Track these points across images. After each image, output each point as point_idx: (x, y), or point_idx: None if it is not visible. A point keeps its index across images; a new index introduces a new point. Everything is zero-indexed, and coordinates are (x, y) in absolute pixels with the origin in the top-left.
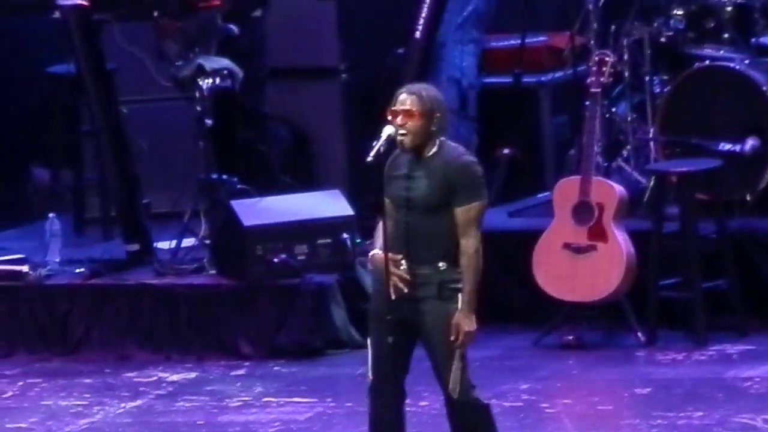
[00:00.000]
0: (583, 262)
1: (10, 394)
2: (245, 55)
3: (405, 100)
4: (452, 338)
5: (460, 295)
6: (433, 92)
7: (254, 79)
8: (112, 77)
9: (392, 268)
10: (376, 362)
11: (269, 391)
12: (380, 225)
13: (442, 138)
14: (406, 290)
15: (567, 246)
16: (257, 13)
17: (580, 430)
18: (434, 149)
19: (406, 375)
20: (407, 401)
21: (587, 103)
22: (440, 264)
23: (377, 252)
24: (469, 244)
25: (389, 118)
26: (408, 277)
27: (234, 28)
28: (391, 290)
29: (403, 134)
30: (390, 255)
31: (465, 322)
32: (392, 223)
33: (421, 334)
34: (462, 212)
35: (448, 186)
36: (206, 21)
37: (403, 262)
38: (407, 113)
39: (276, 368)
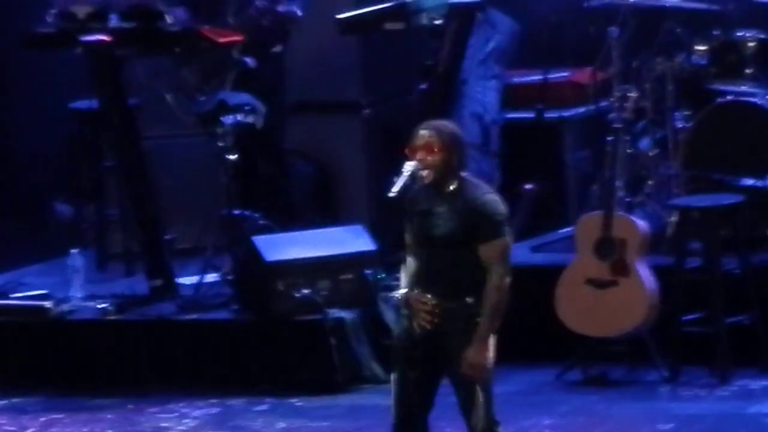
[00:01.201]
0: (605, 297)
1: (32, 429)
2: (265, 91)
3: (424, 135)
4: (463, 371)
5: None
6: (452, 128)
7: (274, 115)
8: (134, 113)
9: (417, 304)
10: (400, 401)
11: (292, 426)
12: (407, 260)
13: (465, 174)
14: (429, 326)
15: (590, 281)
16: (277, 48)
17: None
18: (456, 184)
19: (430, 411)
20: None
21: (610, 138)
22: (468, 299)
23: (405, 291)
24: (492, 280)
25: (409, 156)
26: (434, 310)
27: (250, 61)
28: (416, 326)
29: (424, 169)
30: (416, 293)
31: (475, 355)
32: (417, 260)
33: (447, 368)
34: (484, 249)
35: (471, 223)
36: (223, 54)
37: (429, 296)
38: (427, 148)
39: (298, 404)
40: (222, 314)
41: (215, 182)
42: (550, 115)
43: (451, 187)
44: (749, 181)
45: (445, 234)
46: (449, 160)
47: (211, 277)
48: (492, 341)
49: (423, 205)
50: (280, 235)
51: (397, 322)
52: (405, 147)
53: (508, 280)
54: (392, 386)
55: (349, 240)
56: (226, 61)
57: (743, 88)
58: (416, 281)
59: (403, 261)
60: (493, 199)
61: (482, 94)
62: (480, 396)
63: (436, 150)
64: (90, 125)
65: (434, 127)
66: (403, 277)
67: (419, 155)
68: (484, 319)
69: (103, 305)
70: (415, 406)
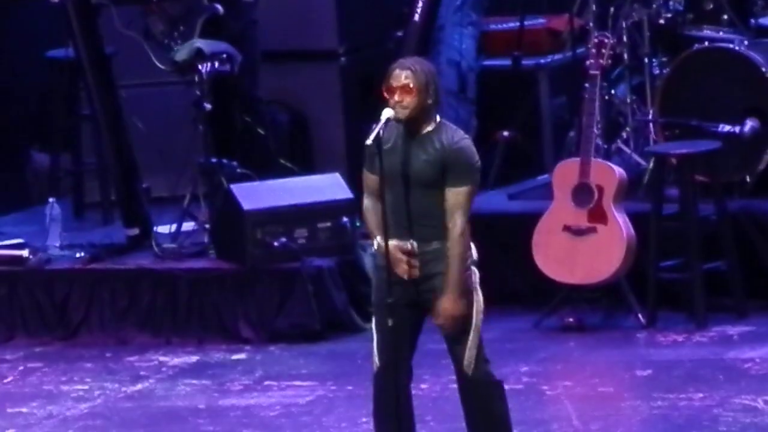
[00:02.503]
0: (582, 244)
1: (10, 378)
2: (237, 39)
3: (399, 75)
4: (438, 322)
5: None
6: (426, 65)
7: (247, 64)
8: (110, 61)
9: (400, 255)
10: (382, 349)
11: (270, 374)
12: (366, 204)
13: (442, 118)
14: (418, 272)
15: (567, 228)
16: None
17: (580, 412)
18: (432, 126)
19: (413, 355)
20: None
21: (586, 85)
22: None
23: (381, 241)
24: (455, 227)
25: (385, 95)
26: (413, 259)
27: (219, 7)
28: (404, 275)
29: (399, 109)
30: (397, 243)
31: (451, 306)
32: (390, 199)
33: (433, 310)
34: (451, 194)
35: (442, 166)
36: (193, 1)
37: (413, 244)
38: (404, 89)
39: (276, 352)
40: (199, 263)
41: (192, 131)
42: (527, 62)
43: (428, 129)
44: (726, 128)
45: (420, 173)
46: (425, 101)
47: (188, 226)
48: (478, 286)
49: (394, 143)
50: (257, 183)
51: (375, 270)
52: (381, 95)
53: (466, 227)
54: (373, 334)
55: (326, 188)
56: (195, 7)
57: (720, 34)
58: (393, 222)
59: (363, 204)
60: (468, 145)
61: (459, 41)
62: (470, 338)
63: (413, 91)
64: (66, 74)
65: (409, 66)
66: (371, 223)
67: (397, 96)
68: (454, 268)
69: (80, 254)
70: (398, 352)
